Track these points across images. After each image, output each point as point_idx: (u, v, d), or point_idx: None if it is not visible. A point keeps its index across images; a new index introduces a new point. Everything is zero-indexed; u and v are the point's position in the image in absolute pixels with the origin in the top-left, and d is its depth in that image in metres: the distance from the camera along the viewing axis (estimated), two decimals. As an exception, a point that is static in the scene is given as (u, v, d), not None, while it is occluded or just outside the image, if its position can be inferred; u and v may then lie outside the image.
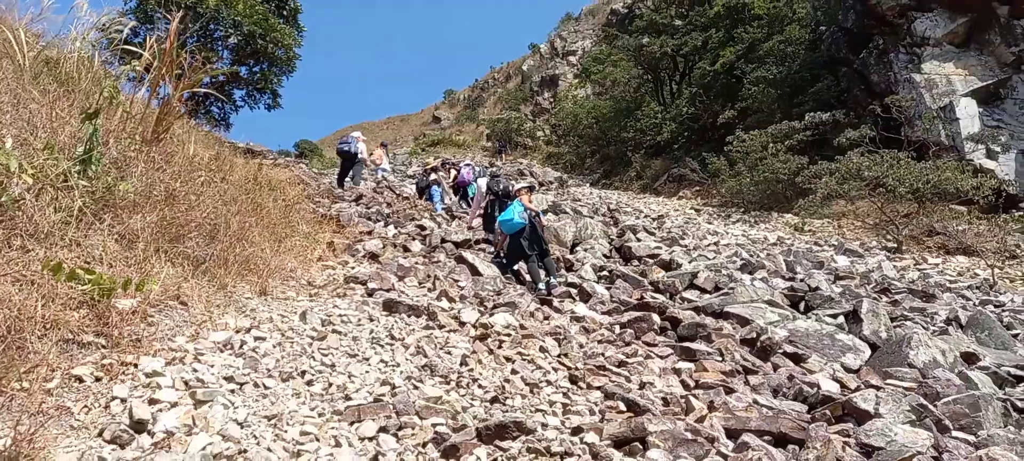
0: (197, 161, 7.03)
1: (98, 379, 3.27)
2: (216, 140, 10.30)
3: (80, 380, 3.21)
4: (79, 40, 6.85)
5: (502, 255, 8.84)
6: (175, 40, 6.62)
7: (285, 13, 16.78)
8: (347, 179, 14.72)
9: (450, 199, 14.59)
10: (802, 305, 8.26)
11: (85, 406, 3.04)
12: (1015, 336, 7.58)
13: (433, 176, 14.36)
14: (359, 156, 14.81)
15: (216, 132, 12.04)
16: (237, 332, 4.25)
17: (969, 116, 15.26)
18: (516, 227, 8.34)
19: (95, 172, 4.85)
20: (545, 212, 10.35)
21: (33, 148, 4.69)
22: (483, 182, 11.46)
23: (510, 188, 10.53)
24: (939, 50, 16.52)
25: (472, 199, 12.30)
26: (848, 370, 6.19)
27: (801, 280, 9.18)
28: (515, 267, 8.60)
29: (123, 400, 3.11)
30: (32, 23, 6.87)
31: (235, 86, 16.17)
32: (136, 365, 3.45)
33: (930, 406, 4.96)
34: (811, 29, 22.25)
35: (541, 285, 7.92)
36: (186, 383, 3.40)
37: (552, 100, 48.53)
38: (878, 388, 5.36)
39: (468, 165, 15.19)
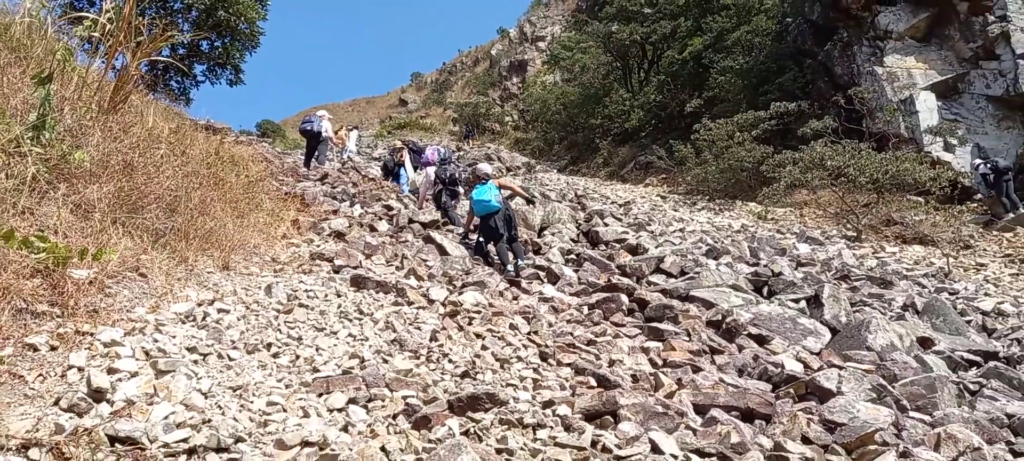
0: (156, 133, 6.82)
1: (53, 348, 3.15)
2: (176, 114, 10.02)
3: (34, 349, 3.08)
4: (30, 3, 6.59)
5: (470, 236, 8.80)
6: (133, 6, 6.38)
7: (249, -15, 16.37)
8: (312, 159, 14.47)
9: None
10: (765, 290, 8.38)
11: (40, 375, 2.93)
12: (968, 322, 7.81)
13: (399, 156, 14.20)
14: (323, 135, 14.55)
15: (176, 107, 11.72)
16: (199, 304, 4.14)
17: (928, 109, 15.63)
18: (492, 209, 8.35)
19: (49, 139, 4.67)
20: (512, 197, 10.36)
21: (-17, 113, 4.49)
22: (431, 170, 11.72)
23: (457, 175, 11.14)
24: (901, 44, 16.87)
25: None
26: (810, 352, 6.30)
27: (764, 266, 9.32)
28: (486, 249, 8.56)
29: (80, 369, 3.00)
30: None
31: (196, 60, 15.73)
32: (93, 335, 3.33)
33: (889, 386, 5.08)
34: (778, 20, 22.53)
35: (510, 267, 7.90)
36: (147, 353, 3.30)
37: (520, 85, 48.43)
38: (840, 368, 5.47)
39: (433, 148, 15.11)
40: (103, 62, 6.59)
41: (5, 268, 3.44)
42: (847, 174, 13.58)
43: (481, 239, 8.63)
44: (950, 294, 9.20)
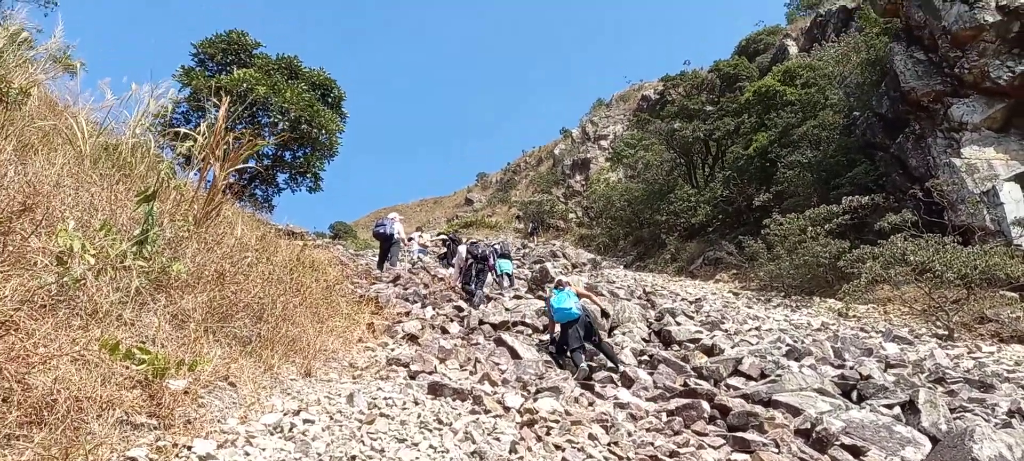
0: (244, 242, 7.18)
1: (152, 461, 3.25)
2: (260, 222, 10.54)
3: (135, 462, 3.18)
4: (135, 126, 7.16)
5: (553, 342, 8.80)
6: (223, 124, 6.86)
7: (330, 100, 17.39)
8: (385, 261, 14.84)
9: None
10: (854, 394, 7.95)
11: (141, 489, 3.01)
12: (1084, 430, 7.15)
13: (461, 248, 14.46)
14: (396, 237, 14.97)
15: (260, 214, 12.34)
16: (285, 414, 4.21)
17: (1014, 201, 14.94)
18: (572, 317, 8.43)
19: (151, 253, 4.97)
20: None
21: (93, 230, 4.82)
22: (463, 248, 12.86)
23: (487, 253, 12.38)
24: (978, 135, 16.37)
25: (498, 277, 13.99)
26: (910, 465, 5.89)
27: (851, 368, 8.87)
28: (568, 354, 8.49)
29: (178, 483, 3.07)
30: (92, 112, 7.24)
31: (279, 170, 16.64)
32: (189, 447, 3.42)
33: (1005, 506, 4.66)
34: (845, 114, 22.29)
35: (583, 365, 7.82)
36: (238, 467, 3.36)
37: (584, 183, 48.98)
38: (946, 485, 5.07)
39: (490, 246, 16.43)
40: (197, 174, 7.07)
41: (109, 380, 3.61)
42: (932, 269, 12.97)
43: (563, 345, 8.60)
44: (1060, 398, 8.48)
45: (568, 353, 8.44)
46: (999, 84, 16.15)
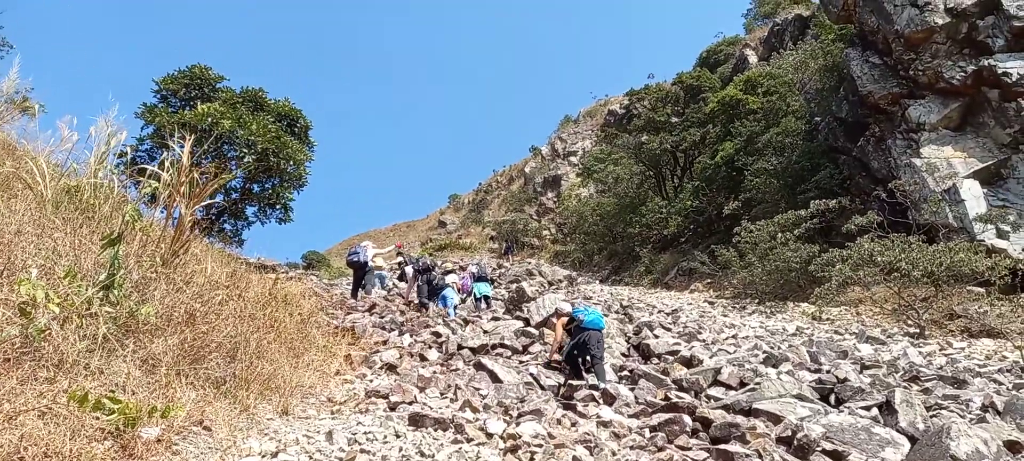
0: (214, 280, 7.04)
1: (126, 516, 3.14)
2: (231, 257, 10.38)
3: (108, 518, 3.07)
4: (97, 166, 6.99)
5: (567, 356, 9.06)
6: (189, 161, 6.74)
7: (296, 130, 17.27)
8: (359, 289, 14.71)
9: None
10: (832, 398, 8.03)
11: (114, 547, 2.90)
12: (1056, 419, 7.30)
13: (448, 278, 14.39)
14: (368, 265, 14.87)
15: (230, 249, 12.16)
16: (263, 457, 4.12)
17: (974, 197, 15.34)
18: (600, 326, 9.05)
19: (118, 297, 4.85)
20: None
21: (57, 277, 4.70)
22: (410, 268, 14.88)
23: (429, 265, 14.52)
24: (936, 134, 16.82)
25: (477, 300, 15.36)
26: (891, 466, 5.94)
27: (828, 372, 8.98)
28: (589, 359, 8.76)
29: (153, 538, 2.97)
30: (52, 154, 7.07)
31: (248, 202, 16.45)
32: (164, 499, 3.32)
33: (985, 501, 4.72)
34: (806, 120, 22.77)
35: (602, 384, 8.02)
36: (216, 516, 3.26)
37: (556, 199, 49.22)
38: (927, 484, 5.13)
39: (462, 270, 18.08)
40: (163, 212, 6.92)
41: (79, 433, 3.50)
42: (900, 268, 13.24)
43: (574, 353, 8.88)
44: (1031, 390, 8.67)
45: (589, 359, 8.68)
46: (953, 84, 16.64)
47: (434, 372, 7.74)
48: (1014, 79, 15.41)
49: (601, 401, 7.54)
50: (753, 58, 39.05)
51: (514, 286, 16.19)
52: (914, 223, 15.69)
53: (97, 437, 3.56)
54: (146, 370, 4.66)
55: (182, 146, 6.94)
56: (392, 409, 5.91)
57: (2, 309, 3.84)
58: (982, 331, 12.08)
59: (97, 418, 3.65)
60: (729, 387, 8.39)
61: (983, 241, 14.34)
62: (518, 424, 5.82)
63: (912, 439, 6.59)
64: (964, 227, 15.02)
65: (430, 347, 9.39)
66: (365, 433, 4.96)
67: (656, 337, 11.57)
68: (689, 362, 9.65)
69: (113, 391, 4.07)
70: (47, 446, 3.16)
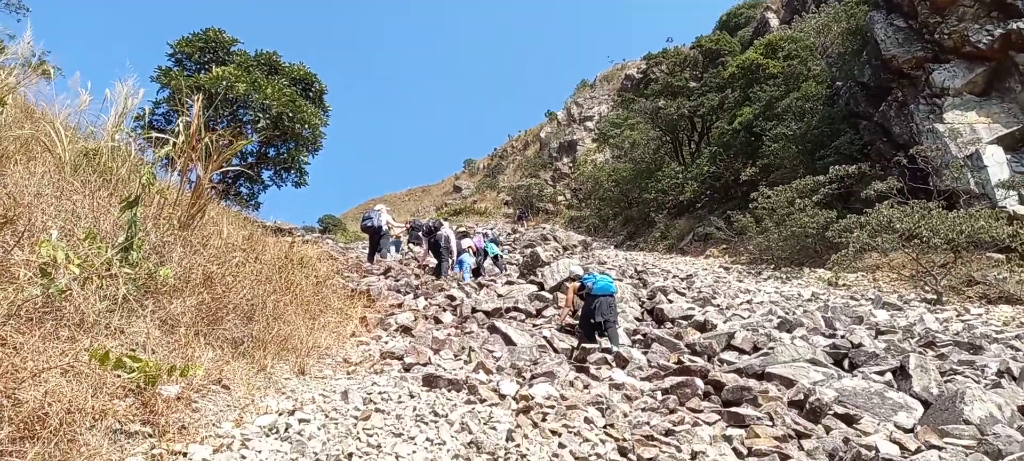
0: (231, 243, 7.12)
1: (148, 470, 3.23)
2: (247, 220, 10.46)
3: (130, 471, 3.16)
4: (114, 129, 7.04)
5: (583, 323, 9.09)
6: (199, 122, 6.75)
7: (311, 94, 17.25)
8: (375, 253, 14.80)
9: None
10: (846, 362, 8.02)
11: (138, 499, 2.99)
12: (1073, 386, 7.25)
13: (464, 242, 14.44)
14: (384, 229, 14.93)
15: (246, 212, 12.26)
16: (280, 415, 4.20)
17: (997, 163, 15.08)
18: (613, 291, 9.09)
19: (136, 259, 4.91)
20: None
21: (77, 238, 4.77)
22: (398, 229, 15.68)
23: (435, 225, 14.93)
24: (960, 100, 16.47)
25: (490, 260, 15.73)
26: (904, 430, 5.95)
27: (842, 337, 8.96)
28: (592, 324, 8.86)
29: (175, 491, 3.06)
30: (70, 117, 7.12)
31: (264, 166, 16.53)
32: (185, 454, 3.41)
33: (996, 465, 4.73)
34: (827, 84, 22.37)
35: (615, 348, 8.10)
36: (235, 470, 3.34)
37: (571, 165, 48.98)
38: (939, 448, 5.14)
39: (479, 234, 17.24)
40: (179, 176, 6.98)
41: (100, 390, 3.58)
42: (919, 235, 13.09)
43: (596, 319, 8.90)
44: (1048, 356, 8.60)
45: (602, 323, 8.74)
46: (979, 48, 16.24)
47: (448, 334, 7.81)
48: (1043, 42, 15.01)
49: (614, 364, 7.58)
50: (775, 21, 38.28)
51: (528, 251, 16.23)
52: (934, 189, 15.47)
53: (118, 394, 3.64)
54: (165, 330, 4.75)
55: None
56: (407, 370, 5.99)
57: (24, 269, 3.91)
58: (1000, 297, 11.96)
59: (118, 376, 3.73)
60: (742, 351, 8.40)
61: (1005, 208, 14.13)
62: (531, 385, 5.88)
63: (926, 404, 6.59)
64: (986, 193, 14.79)
65: (445, 310, 9.46)
66: (380, 393, 5.04)
67: (670, 302, 11.58)
68: (703, 326, 9.66)
69: (134, 350, 4.15)
70: (70, 402, 3.24)
